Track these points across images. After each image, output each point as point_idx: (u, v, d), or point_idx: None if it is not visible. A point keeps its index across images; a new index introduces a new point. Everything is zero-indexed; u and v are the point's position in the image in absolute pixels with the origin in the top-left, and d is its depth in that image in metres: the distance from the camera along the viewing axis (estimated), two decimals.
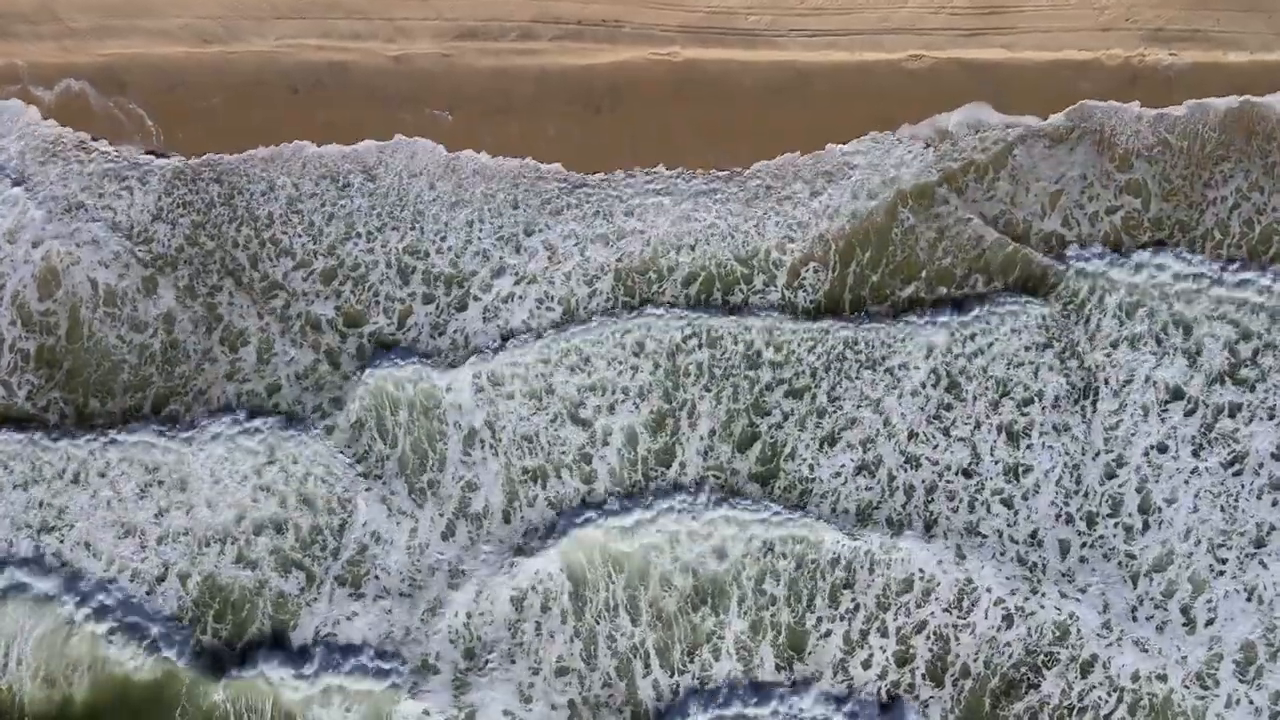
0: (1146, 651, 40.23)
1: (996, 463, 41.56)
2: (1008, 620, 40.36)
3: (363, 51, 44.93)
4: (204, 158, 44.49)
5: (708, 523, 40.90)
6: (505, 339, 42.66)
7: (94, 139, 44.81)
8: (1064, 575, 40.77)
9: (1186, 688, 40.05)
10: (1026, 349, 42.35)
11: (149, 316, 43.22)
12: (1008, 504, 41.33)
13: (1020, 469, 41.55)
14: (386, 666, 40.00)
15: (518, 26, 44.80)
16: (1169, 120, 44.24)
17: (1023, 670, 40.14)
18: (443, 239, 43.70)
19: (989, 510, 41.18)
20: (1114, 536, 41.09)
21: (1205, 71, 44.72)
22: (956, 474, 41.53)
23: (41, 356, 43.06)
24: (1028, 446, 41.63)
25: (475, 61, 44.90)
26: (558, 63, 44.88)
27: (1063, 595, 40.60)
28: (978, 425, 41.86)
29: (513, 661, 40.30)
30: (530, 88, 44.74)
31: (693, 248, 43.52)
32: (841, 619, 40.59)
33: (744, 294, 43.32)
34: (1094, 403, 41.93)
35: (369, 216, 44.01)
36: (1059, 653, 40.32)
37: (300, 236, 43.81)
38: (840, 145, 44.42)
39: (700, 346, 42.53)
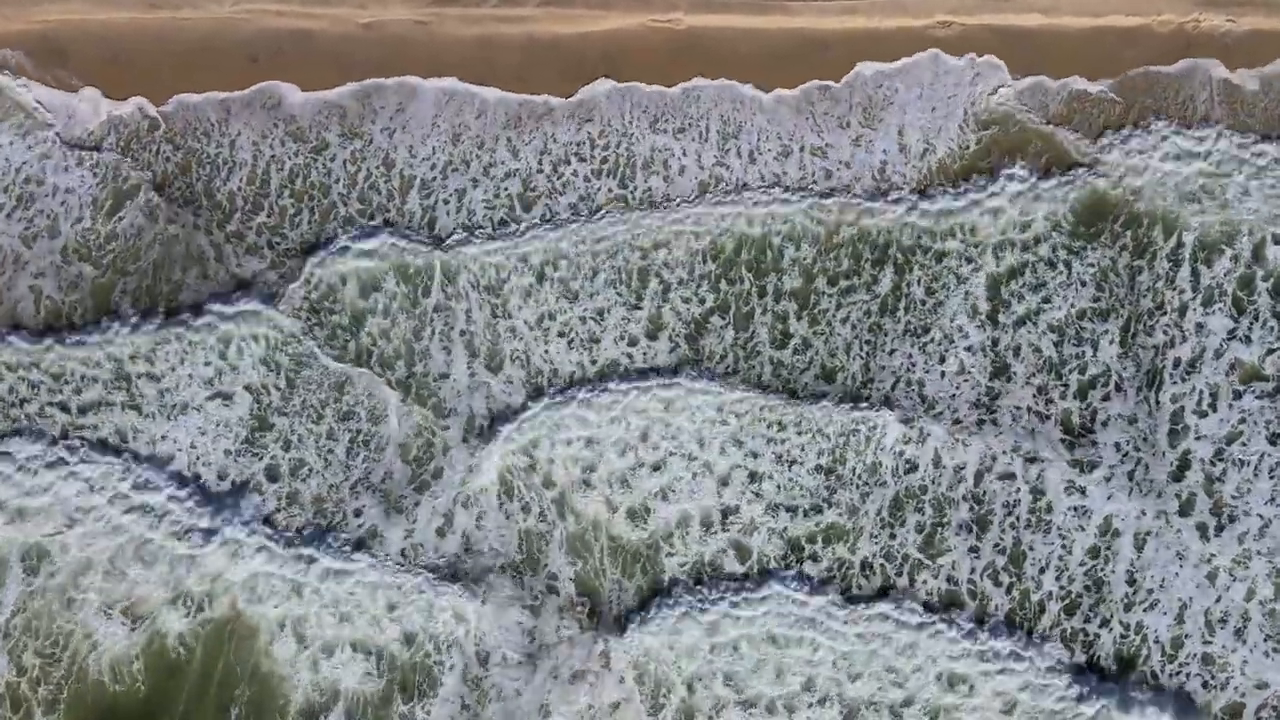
0: (1225, 670, 39.08)
1: (1051, 466, 40.31)
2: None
3: (330, 18, 43.53)
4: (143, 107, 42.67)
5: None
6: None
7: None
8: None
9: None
10: (1081, 316, 41.04)
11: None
12: (1075, 506, 40.25)
13: (1085, 464, 40.35)
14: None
15: None
16: (1245, 100, 42.54)
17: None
18: (430, 226, 42.25)
19: (1044, 524, 40.09)
20: (1187, 536, 39.92)
21: (1265, 39, 43.26)
22: (1003, 479, 40.39)
23: None
24: (1092, 441, 40.35)
25: (455, 30, 43.64)
26: (548, 31, 43.64)
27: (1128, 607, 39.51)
28: (1027, 413, 40.58)
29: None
30: (515, 57, 43.43)
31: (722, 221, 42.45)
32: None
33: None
34: (1158, 389, 40.68)
35: (348, 191, 42.46)
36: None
37: (265, 233, 42.22)
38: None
39: (727, 325, 41.51)
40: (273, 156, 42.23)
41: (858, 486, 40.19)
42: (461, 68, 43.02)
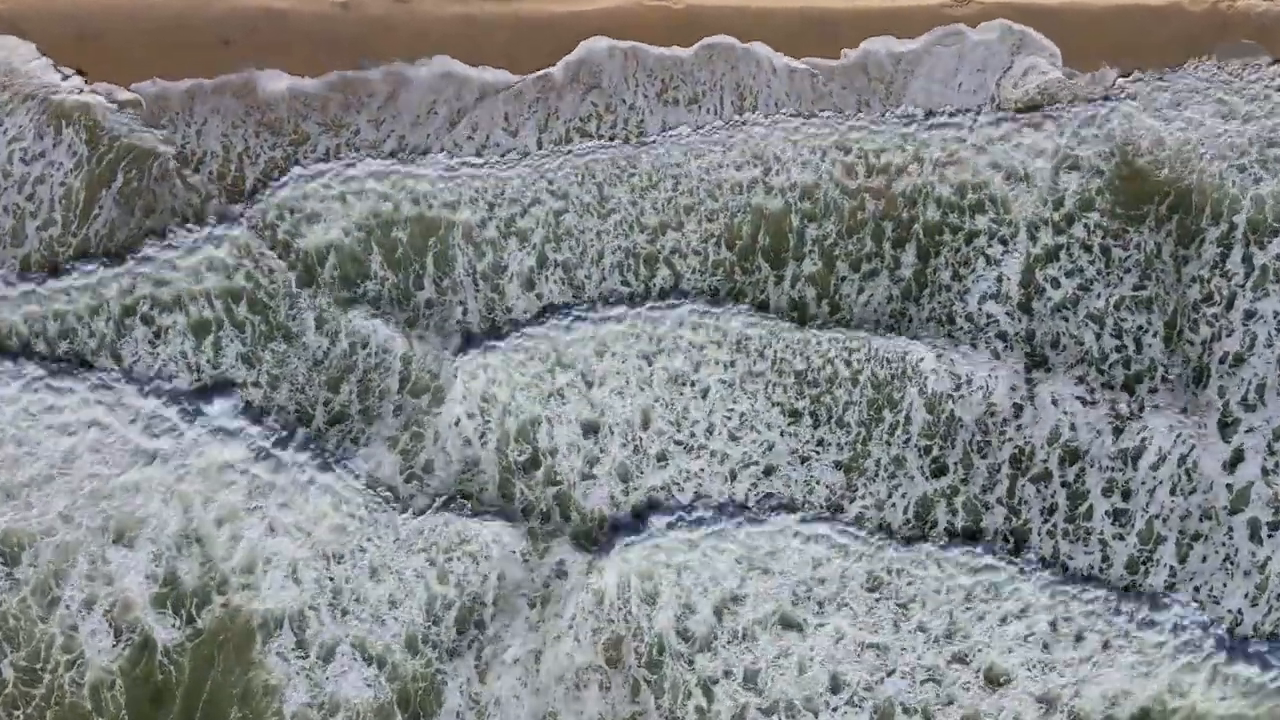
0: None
1: (1093, 465, 39.82)
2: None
3: None
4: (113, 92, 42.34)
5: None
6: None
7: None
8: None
9: None
10: (1117, 306, 40.65)
11: None
12: (1117, 516, 39.72)
13: (1133, 453, 39.90)
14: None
15: None
16: None
17: None
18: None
19: (1083, 531, 39.59)
20: (1238, 537, 39.49)
21: None
22: (1037, 480, 39.89)
23: None
24: (1141, 430, 39.81)
25: (438, 9, 43.56)
26: (537, 10, 43.51)
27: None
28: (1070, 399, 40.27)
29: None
30: (503, 37, 43.24)
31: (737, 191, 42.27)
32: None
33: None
34: (1204, 384, 40.27)
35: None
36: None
37: None
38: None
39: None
40: (245, 149, 41.93)
41: (883, 481, 39.66)
42: (445, 49, 42.85)
